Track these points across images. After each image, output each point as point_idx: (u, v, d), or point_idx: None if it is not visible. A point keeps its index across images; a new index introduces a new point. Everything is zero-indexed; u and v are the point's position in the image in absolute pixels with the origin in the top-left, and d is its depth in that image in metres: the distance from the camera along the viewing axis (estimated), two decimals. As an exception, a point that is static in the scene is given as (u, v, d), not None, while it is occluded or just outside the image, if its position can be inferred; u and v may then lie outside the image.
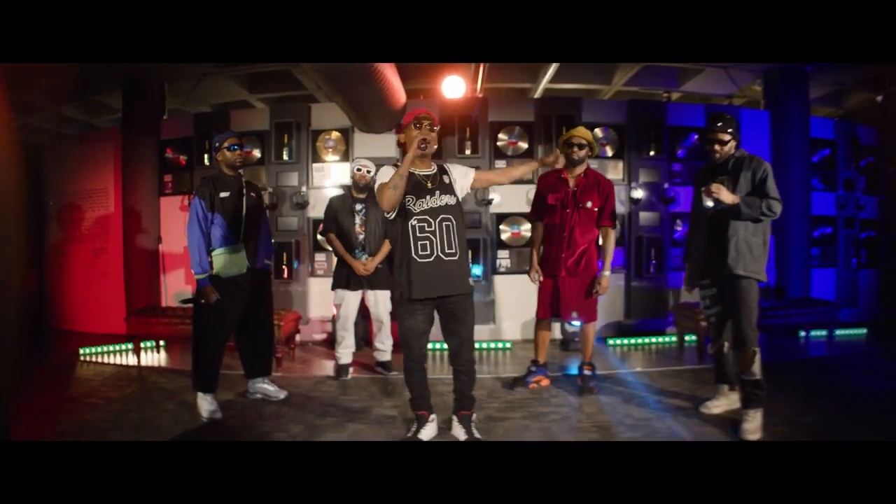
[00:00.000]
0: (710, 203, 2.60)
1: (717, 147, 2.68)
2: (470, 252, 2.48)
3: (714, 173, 2.71)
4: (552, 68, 5.91)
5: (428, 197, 2.36)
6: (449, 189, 2.41)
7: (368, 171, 3.64)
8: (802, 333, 4.85)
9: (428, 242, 2.33)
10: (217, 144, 3.02)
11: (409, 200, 2.35)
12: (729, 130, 2.66)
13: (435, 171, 2.45)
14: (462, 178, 2.48)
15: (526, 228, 4.83)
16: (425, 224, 2.34)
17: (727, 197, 2.54)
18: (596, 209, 3.19)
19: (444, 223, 2.34)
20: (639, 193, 4.93)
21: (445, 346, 2.61)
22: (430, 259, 2.33)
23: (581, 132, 3.20)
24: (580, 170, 3.23)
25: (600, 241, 3.29)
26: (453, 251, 2.35)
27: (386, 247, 3.63)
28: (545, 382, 3.42)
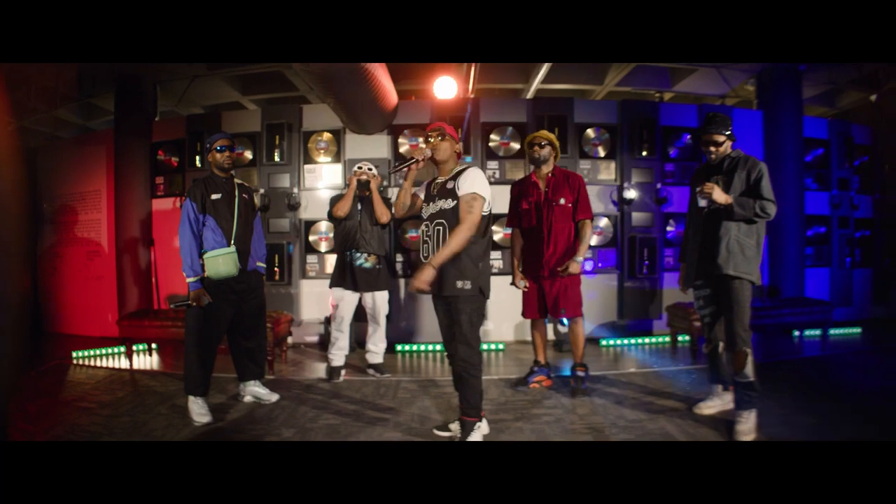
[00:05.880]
0: (703, 203, 2.62)
1: (711, 148, 2.69)
2: (468, 256, 2.42)
3: (709, 173, 2.73)
4: (544, 68, 5.90)
5: (430, 204, 2.55)
6: (450, 193, 2.47)
7: (370, 169, 3.64)
8: (796, 333, 4.86)
9: (426, 245, 2.51)
10: (208, 146, 3.02)
11: (423, 208, 2.61)
12: (723, 131, 2.66)
13: (449, 177, 2.51)
14: (463, 188, 2.42)
15: (518, 229, 4.81)
16: (425, 229, 2.53)
17: (720, 197, 2.56)
18: (570, 205, 3.24)
19: (437, 227, 2.47)
20: (631, 194, 4.93)
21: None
22: (426, 262, 2.48)
23: (542, 133, 3.33)
24: (547, 169, 3.31)
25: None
26: None
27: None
28: (547, 383, 3.44)
